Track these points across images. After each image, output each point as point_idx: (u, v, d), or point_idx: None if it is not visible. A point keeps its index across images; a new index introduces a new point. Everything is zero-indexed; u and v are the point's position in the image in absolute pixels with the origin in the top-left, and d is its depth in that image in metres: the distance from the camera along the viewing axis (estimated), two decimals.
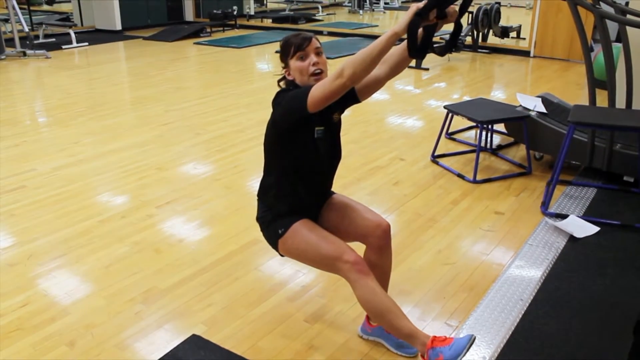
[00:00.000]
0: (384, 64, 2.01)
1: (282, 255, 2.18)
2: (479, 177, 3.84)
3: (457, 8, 1.77)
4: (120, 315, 2.41)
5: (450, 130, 4.73)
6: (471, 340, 1.88)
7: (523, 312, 2.43)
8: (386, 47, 1.71)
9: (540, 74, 7.36)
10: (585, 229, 3.14)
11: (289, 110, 1.91)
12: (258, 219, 2.19)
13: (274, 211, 2.12)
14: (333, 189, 2.25)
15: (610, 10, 3.56)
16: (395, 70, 2.02)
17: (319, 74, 1.96)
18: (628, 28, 3.66)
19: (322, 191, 2.20)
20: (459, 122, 4.81)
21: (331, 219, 2.17)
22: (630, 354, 1.91)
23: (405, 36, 1.73)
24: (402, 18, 1.71)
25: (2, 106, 5.67)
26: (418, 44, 1.77)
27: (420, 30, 1.80)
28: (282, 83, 2.07)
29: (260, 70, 7.97)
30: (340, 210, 2.18)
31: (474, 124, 4.40)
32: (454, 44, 1.89)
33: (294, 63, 1.98)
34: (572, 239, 3.06)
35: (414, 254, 2.92)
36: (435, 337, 1.93)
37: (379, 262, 2.15)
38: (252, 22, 12.12)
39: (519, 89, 6.49)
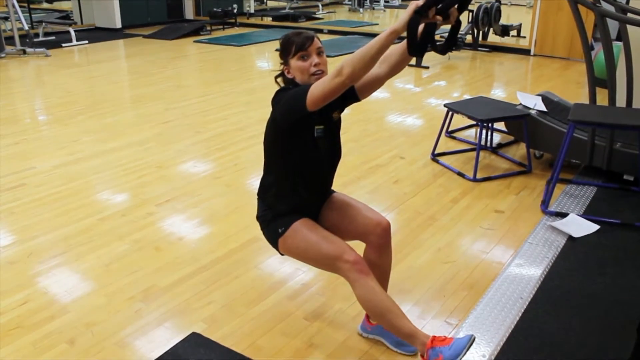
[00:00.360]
0: (384, 62, 2.00)
1: (282, 254, 2.18)
2: (479, 176, 3.84)
3: (456, 7, 1.76)
4: (120, 314, 2.41)
5: (450, 129, 4.73)
6: (471, 341, 1.88)
7: (523, 311, 2.43)
8: (385, 45, 1.71)
9: (541, 73, 7.35)
10: (584, 227, 3.14)
11: (289, 109, 1.91)
12: (258, 217, 2.19)
13: (274, 210, 2.11)
14: (333, 187, 2.25)
15: (610, 8, 3.56)
16: (395, 68, 2.02)
17: (319, 75, 1.95)
18: (629, 27, 3.66)
19: (322, 190, 2.20)
20: (459, 120, 4.80)
21: (331, 217, 2.17)
22: (633, 353, 1.91)
23: (405, 34, 1.73)
24: (402, 16, 1.71)
25: (2, 104, 5.67)
26: (418, 42, 1.77)
27: (421, 28, 1.79)
28: (279, 79, 2.07)
29: (260, 68, 7.96)
30: (340, 209, 2.18)
31: (474, 122, 4.40)
32: (454, 41, 1.88)
33: (295, 62, 1.97)
34: (572, 237, 3.06)
35: (414, 253, 2.92)
36: (435, 337, 1.93)
37: (378, 260, 2.15)
38: (252, 20, 12.11)
39: (519, 87, 6.49)
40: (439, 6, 1.70)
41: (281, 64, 2.03)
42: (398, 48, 1.98)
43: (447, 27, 1.84)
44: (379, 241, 2.12)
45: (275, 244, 2.14)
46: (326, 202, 2.20)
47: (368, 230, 2.11)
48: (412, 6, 1.68)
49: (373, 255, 2.14)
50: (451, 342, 1.89)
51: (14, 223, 3.22)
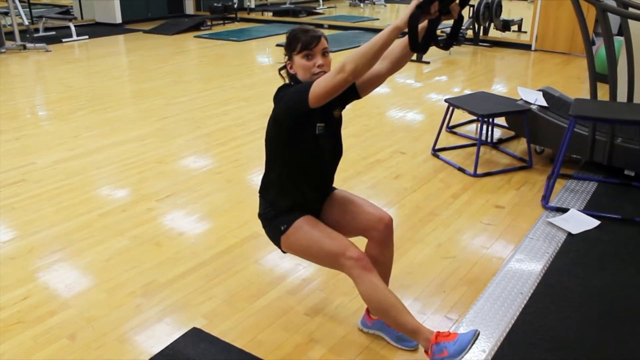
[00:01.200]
0: (385, 59, 1.99)
1: (284, 252, 2.18)
2: (479, 171, 3.83)
3: (457, 2, 1.75)
4: (120, 309, 2.42)
5: (451, 124, 4.72)
6: (475, 336, 1.87)
7: (523, 306, 2.43)
8: (388, 42, 1.70)
9: (542, 68, 7.34)
10: (583, 223, 3.13)
11: (291, 106, 1.91)
12: (260, 215, 2.18)
13: (276, 208, 2.11)
14: (334, 183, 2.25)
15: (612, 3, 3.54)
16: (396, 65, 2.01)
17: (321, 75, 1.94)
18: (630, 21, 3.64)
19: (323, 187, 2.20)
20: (459, 115, 4.80)
21: (333, 214, 2.17)
22: None
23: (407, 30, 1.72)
24: (404, 11, 1.70)
25: (2, 100, 5.67)
26: (420, 38, 1.76)
27: (423, 24, 1.79)
28: (283, 72, 2.06)
29: (260, 63, 7.95)
30: (342, 205, 2.17)
31: (475, 117, 4.39)
32: (456, 37, 1.87)
33: (298, 60, 1.96)
34: (572, 233, 3.06)
35: (415, 248, 2.92)
36: (439, 332, 1.93)
37: (380, 256, 2.15)
38: (253, 15, 12.09)
39: (520, 82, 6.48)
40: (441, 1, 1.69)
41: (285, 54, 2.03)
42: (399, 44, 1.96)
43: (450, 22, 1.83)
44: (381, 237, 2.12)
45: (277, 242, 2.14)
46: (328, 199, 2.20)
47: (370, 226, 2.11)
48: (414, 2, 1.68)
49: (375, 251, 2.14)
50: (456, 337, 1.89)
51: (14, 218, 3.22)
